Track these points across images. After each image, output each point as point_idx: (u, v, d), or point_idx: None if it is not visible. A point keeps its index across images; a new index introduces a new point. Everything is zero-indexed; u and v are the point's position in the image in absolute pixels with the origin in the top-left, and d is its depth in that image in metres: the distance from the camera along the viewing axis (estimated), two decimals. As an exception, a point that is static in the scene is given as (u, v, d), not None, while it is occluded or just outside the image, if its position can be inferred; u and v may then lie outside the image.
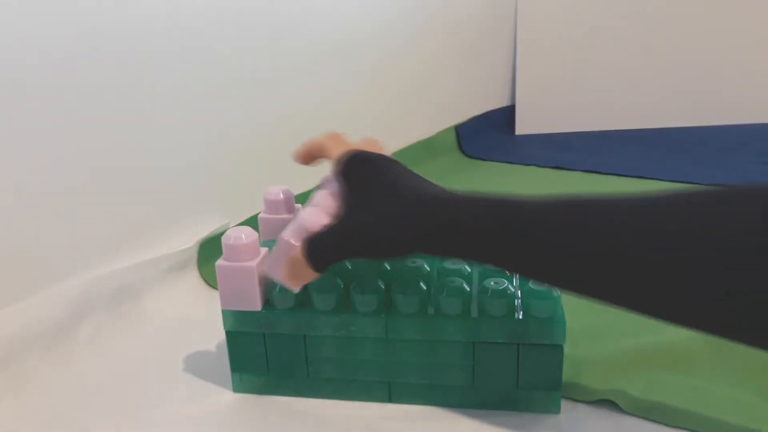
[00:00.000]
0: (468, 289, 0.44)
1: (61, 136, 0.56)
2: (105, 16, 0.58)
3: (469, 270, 0.47)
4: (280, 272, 0.42)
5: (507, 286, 0.43)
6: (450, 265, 0.47)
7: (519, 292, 0.44)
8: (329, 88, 0.89)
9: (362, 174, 0.42)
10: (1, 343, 0.51)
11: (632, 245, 0.31)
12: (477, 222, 0.36)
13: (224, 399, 0.48)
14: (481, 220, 0.36)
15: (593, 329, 0.52)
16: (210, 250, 0.68)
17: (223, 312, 0.46)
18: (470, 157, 1.14)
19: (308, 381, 0.47)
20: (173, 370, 0.52)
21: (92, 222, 0.60)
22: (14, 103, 0.52)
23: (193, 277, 0.67)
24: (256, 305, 0.45)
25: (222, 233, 0.45)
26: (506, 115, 1.31)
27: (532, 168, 1.07)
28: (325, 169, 0.47)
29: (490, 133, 1.24)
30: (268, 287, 0.46)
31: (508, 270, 0.39)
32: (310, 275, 0.41)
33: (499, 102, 1.32)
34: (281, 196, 0.53)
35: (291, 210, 0.54)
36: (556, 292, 0.43)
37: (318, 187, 0.46)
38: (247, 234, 0.45)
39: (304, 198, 0.55)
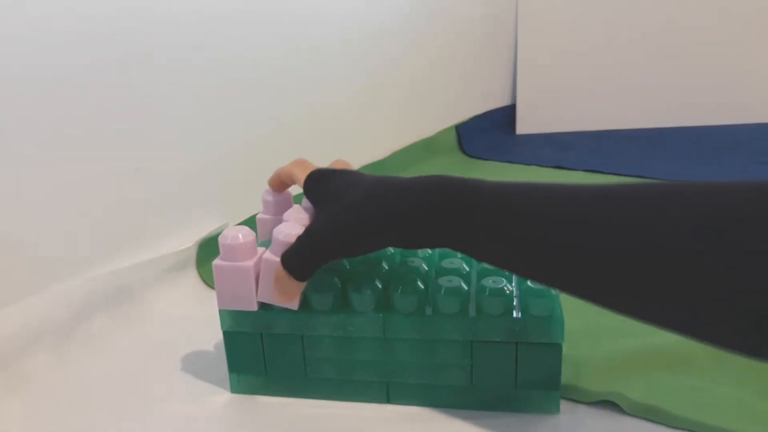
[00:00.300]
0: (466, 288, 0.44)
1: (61, 135, 0.56)
2: (105, 16, 0.58)
3: (467, 269, 0.47)
4: (272, 294, 0.44)
5: (505, 285, 0.43)
6: (448, 264, 0.47)
7: (517, 290, 0.44)
8: (329, 88, 0.89)
9: (320, 187, 0.44)
10: (1, 343, 0.51)
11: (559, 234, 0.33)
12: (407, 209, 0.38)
13: (222, 399, 0.48)
14: (412, 206, 0.38)
15: (593, 330, 0.52)
16: (209, 250, 0.68)
17: (221, 312, 0.46)
18: (471, 156, 1.14)
19: (306, 381, 0.47)
20: (172, 370, 0.52)
21: (92, 222, 0.60)
22: (14, 103, 0.52)
23: (192, 277, 0.67)
24: (253, 305, 0.45)
25: (221, 233, 0.45)
26: (507, 115, 1.31)
27: (533, 167, 1.07)
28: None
29: (490, 133, 1.24)
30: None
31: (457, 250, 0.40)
32: (297, 286, 0.43)
33: (500, 101, 1.32)
34: (279, 196, 0.53)
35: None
36: (554, 291, 0.43)
37: None
38: (245, 234, 0.44)
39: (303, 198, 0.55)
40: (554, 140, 1.24)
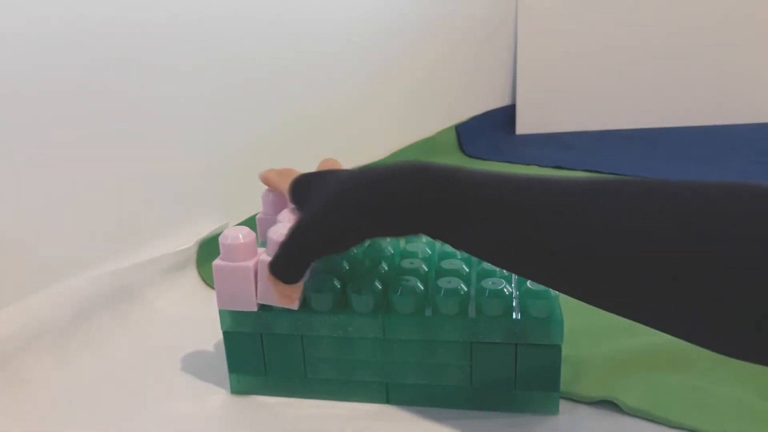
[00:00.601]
0: (465, 289, 0.44)
1: (61, 135, 0.56)
2: (105, 16, 0.58)
3: (467, 270, 0.47)
4: (270, 295, 0.44)
5: (504, 286, 0.43)
6: (447, 265, 0.47)
7: (516, 292, 0.44)
8: (329, 88, 0.89)
9: (302, 192, 0.45)
10: (1, 343, 0.51)
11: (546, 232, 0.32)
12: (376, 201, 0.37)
13: (222, 399, 0.48)
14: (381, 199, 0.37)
15: (593, 330, 0.52)
16: (209, 250, 0.68)
17: (220, 312, 0.46)
18: (471, 156, 1.14)
19: (306, 381, 0.47)
20: (172, 370, 0.52)
21: (92, 222, 0.60)
22: (14, 103, 0.52)
23: (192, 277, 0.67)
24: (253, 305, 0.45)
25: (221, 233, 0.45)
26: (507, 115, 1.31)
27: (533, 167, 1.07)
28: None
29: (490, 133, 1.24)
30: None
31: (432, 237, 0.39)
32: (293, 288, 0.43)
33: (500, 101, 1.32)
34: (279, 196, 0.53)
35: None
36: (553, 292, 0.43)
37: None
38: (245, 234, 0.44)
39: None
40: (554, 140, 1.24)
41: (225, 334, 0.47)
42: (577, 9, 1.26)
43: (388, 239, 0.43)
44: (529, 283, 0.43)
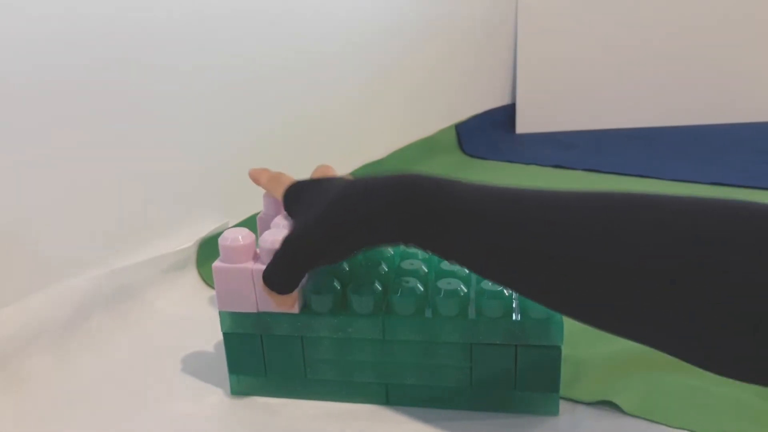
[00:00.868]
0: (465, 290, 0.44)
1: (61, 135, 0.56)
2: (105, 16, 0.58)
3: (467, 271, 0.47)
4: (269, 302, 0.44)
5: (504, 288, 0.43)
6: (447, 266, 0.47)
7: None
8: (329, 88, 0.89)
9: (294, 201, 0.44)
10: (1, 343, 0.51)
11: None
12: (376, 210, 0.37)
13: (222, 400, 0.48)
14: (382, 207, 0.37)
15: (592, 330, 0.52)
16: (209, 250, 0.68)
17: (221, 313, 0.46)
18: (470, 155, 1.14)
19: (306, 382, 0.47)
20: (172, 371, 0.52)
21: (92, 222, 0.60)
22: (15, 103, 0.52)
23: (192, 277, 0.67)
24: (253, 306, 0.45)
25: (221, 233, 0.45)
26: (507, 114, 1.31)
27: (533, 167, 1.07)
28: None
29: (490, 132, 1.24)
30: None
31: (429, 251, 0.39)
32: (289, 296, 0.43)
33: (500, 100, 1.32)
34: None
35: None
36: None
37: None
38: (244, 235, 0.44)
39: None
40: (554, 139, 1.24)
41: (225, 335, 0.47)
42: (577, 9, 1.26)
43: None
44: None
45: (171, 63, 0.65)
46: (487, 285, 0.43)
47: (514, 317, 0.42)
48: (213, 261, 0.45)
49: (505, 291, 0.43)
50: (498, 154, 1.13)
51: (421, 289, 0.44)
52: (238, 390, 0.48)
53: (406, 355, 0.45)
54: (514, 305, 0.43)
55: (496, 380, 0.44)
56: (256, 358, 0.47)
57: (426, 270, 0.48)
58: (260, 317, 0.45)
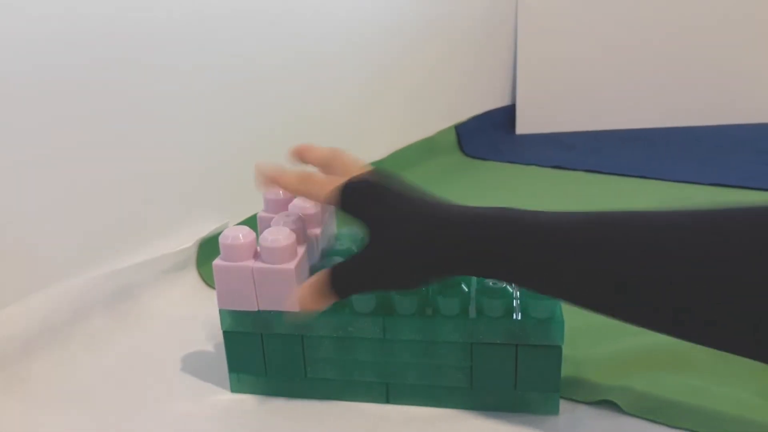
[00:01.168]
0: (466, 289, 0.44)
1: (61, 135, 0.56)
2: (105, 16, 0.58)
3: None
4: (298, 300, 0.42)
5: (505, 287, 0.43)
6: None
7: (517, 292, 0.44)
8: (329, 87, 0.89)
9: (369, 203, 0.41)
10: (1, 343, 0.51)
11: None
12: (496, 246, 0.37)
13: (222, 399, 0.48)
14: (498, 242, 0.37)
15: (593, 329, 0.52)
16: (209, 249, 0.68)
17: (221, 312, 0.46)
18: (470, 156, 1.14)
19: (306, 381, 0.47)
20: (172, 370, 0.52)
21: (91, 222, 0.60)
22: (14, 103, 0.52)
23: (192, 277, 0.67)
24: (253, 305, 0.45)
25: (221, 233, 0.45)
26: (507, 115, 1.31)
27: (533, 168, 1.07)
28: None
29: (490, 133, 1.24)
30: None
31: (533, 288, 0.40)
32: (330, 302, 0.42)
33: (500, 101, 1.32)
34: (281, 195, 0.53)
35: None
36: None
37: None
38: (245, 234, 0.44)
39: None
40: (554, 140, 1.24)
41: (225, 333, 0.47)
42: (578, 9, 1.26)
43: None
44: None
45: (171, 63, 0.65)
46: (488, 284, 0.43)
47: (514, 317, 0.42)
48: (213, 261, 0.45)
49: (505, 290, 0.43)
50: (498, 154, 1.13)
51: (422, 288, 0.44)
52: (238, 389, 0.48)
53: (407, 355, 0.45)
54: (514, 304, 0.43)
55: (497, 380, 0.44)
56: (256, 356, 0.47)
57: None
58: (260, 316, 0.45)
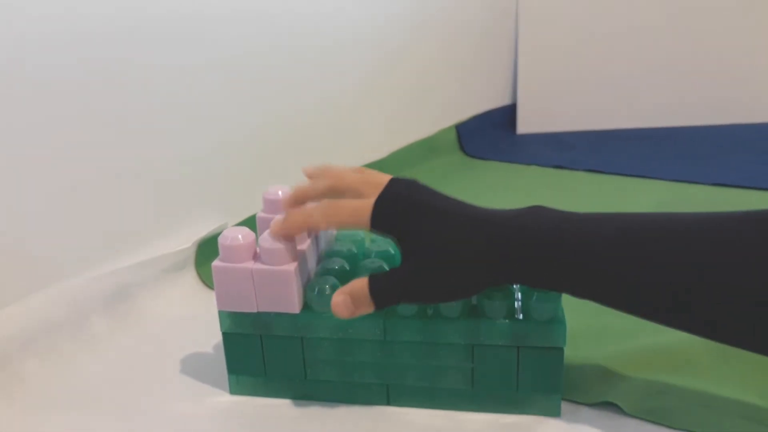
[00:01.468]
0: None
1: (61, 136, 0.56)
2: (105, 16, 0.58)
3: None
4: (340, 305, 0.42)
5: (507, 288, 0.43)
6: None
7: (519, 294, 0.44)
8: (329, 87, 0.89)
9: (404, 220, 0.41)
10: (1, 343, 0.51)
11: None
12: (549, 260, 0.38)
13: (221, 400, 0.48)
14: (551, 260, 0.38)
15: (594, 331, 0.52)
16: (208, 250, 0.68)
17: (220, 313, 0.46)
18: (471, 156, 1.14)
19: (306, 383, 0.47)
20: (171, 371, 0.52)
21: (90, 222, 0.60)
22: (14, 103, 0.52)
23: (191, 278, 0.67)
24: (253, 306, 0.45)
25: (220, 233, 0.45)
26: (507, 114, 1.31)
27: (534, 167, 1.07)
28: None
29: (491, 132, 1.24)
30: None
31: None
32: (367, 310, 0.41)
33: (501, 101, 1.32)
34: (280, 195, 0.52)
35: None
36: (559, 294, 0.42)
37: None
38: (244, 235, 0.44)
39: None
40: (555, 140, 1.24)
41: (224, 335, 0.47)
42: (578, 8, 1.26)
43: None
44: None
45: (171, 63, 0.65)
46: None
47: (516, 318, 0.42)
48: (212, 261, 0.45)
49: (507, 292, 0.42)
50: (499, 154, 1.13)
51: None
52: (238, 390, 0.48)
53: (407, 356, 0.45)
54: (516, 306, 0.43)
55: (498, 381, 0.44)
56: (255, 358, 0.47)
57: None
58: (260, 317, 0.45)
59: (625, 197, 0.90)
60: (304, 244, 0.46)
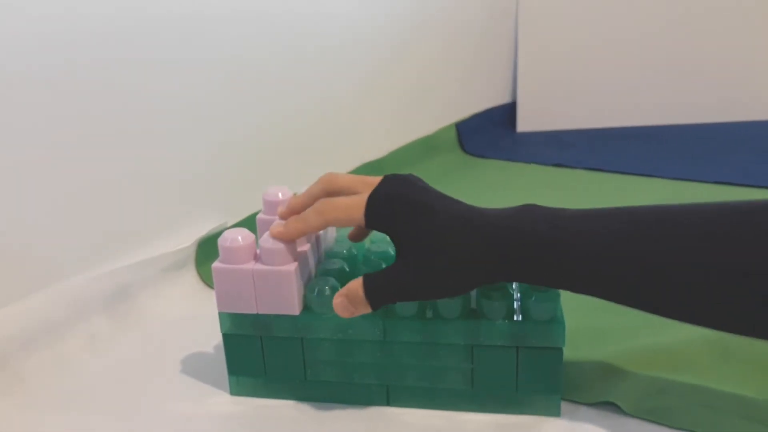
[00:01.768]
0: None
1: (61, 136, 0.56)
2: (105, 16, 0.58)
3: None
4: (339, 305, 0.42)
5: (506, 288, 0.43)
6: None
7: (518, 294, 0.44)
8: (329, 86, 0.89)
9: (398, 216, 0.41)
10: (1, 343, 0.51)
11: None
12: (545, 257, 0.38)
13: (221, 401, 0.48)
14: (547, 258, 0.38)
15: (594, 330, 0.52)
16: (208, 249, 0.68)
17: (220, 314, 0.46)
18: (471, 154, 1.14)
19: (306, 384, 0.47)
20: (171, 371, 0.52)
21: (90, 222, 0.60)
22: (14, 103, 0.52)
23: (191, 277, 0.67)
24: (253, 308, 0.45)
25: (220, 233, 0.45)
26: (507, 113, 1.31)
27: (534, 166, 1.07)
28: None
29: (491, 131, 1.24)
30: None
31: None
32: (365, 310, 0.42)
33: (500, 99, 1.31)
34: (280, 196, 0.52)
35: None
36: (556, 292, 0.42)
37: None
38: (244, 236, 0.44)
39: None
40: (555, 138, 1.24)
41: (225, 336, 0.47)
42: (578, 7, 1.26)
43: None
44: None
45: (171, 63, 0.65)
46: (488, 286, 0.43)
47: (515, 319, 0.42)
48: (212, 261, 0.45)
49: (506, 292, 0.42)
50: (499, 152, 1.13)
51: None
52: (238, 391, 0.48)
53: (407, 357, 0.45)
54: (516, 307, 0.43)
55: (498, 382, 0.44)
56: (255, 359, 0.47)
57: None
58: (260, 318, 0.45)
59: (625, 195, 0.90)
60: (305, 246, 0.46)
